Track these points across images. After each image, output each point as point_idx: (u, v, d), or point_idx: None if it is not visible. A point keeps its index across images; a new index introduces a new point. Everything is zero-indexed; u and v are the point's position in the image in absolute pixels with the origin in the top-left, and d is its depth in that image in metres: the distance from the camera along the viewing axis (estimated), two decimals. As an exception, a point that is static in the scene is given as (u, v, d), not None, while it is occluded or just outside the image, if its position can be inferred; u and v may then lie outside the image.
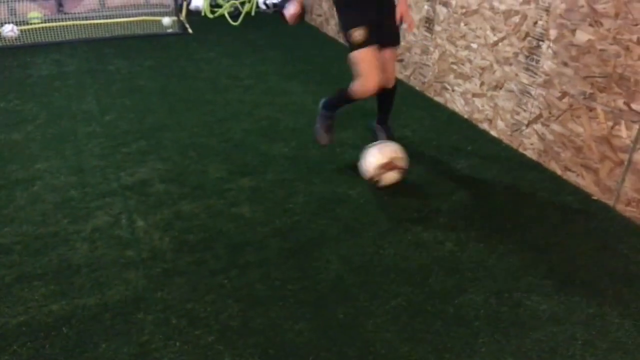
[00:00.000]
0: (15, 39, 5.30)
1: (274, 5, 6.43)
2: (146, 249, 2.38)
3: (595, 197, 2.80)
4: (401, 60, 4.34)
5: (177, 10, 5.93)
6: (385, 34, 2.79)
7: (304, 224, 2.58)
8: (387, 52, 2.85)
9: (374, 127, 3.28)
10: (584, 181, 2.87)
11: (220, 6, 6.42)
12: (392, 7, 2.77)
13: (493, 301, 2.10)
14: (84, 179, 2.92)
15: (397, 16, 2.71)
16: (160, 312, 2.03)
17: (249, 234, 2.51)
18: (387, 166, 2.76)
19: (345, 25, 2.71)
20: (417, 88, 4.23)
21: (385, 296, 2.13)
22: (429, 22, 3.95)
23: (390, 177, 2.79)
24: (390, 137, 3.13)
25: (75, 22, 5.62)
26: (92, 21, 5.70)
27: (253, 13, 6.41)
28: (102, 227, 2.53)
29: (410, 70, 4.28)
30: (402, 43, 4.29)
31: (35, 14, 5.73)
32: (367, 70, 2.70)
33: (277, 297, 2.12)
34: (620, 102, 2.59)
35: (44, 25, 5.52)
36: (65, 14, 5.98)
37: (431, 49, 3.98)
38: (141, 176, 2.96)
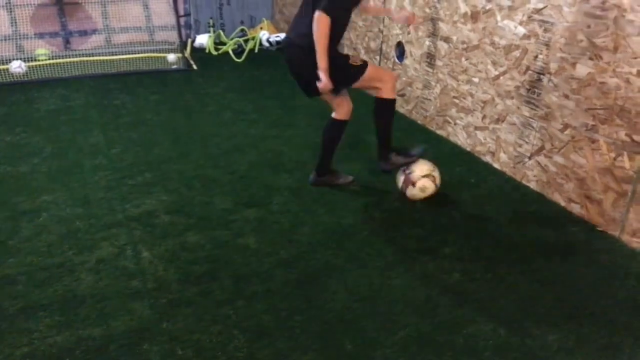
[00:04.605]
0: (23, 75, 5.39)
1: (277, 42, 6.56)
2: (151, 280, 2.37)
3: (600, 228, 2.80)
4: (403, 95, 4.40)
5: (182, 47, 6.04)
6: None
7: (309, 254, 2.58)
8: None
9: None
10: (588, 212, 2.87)
11: (224, 43, 6.55)
12: None
13: (502, 331, 2.08)
14: (90, 211, 2.93)
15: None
16: (166, 343, 2.01)
17: (255, 264, 2.50)
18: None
19: (345, 65, 2.85)
20: (419, 122, 4.28)
21: (393, 327, 2.11)
22: (430, 58, 4.03)
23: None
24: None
25: (81, 59, 5.72)
26: (98, 57, 5.80)
27: (256, 50, 6.54)
28: (107, 258, 2.52)
29: (412, 104, 4.34)
30: (403, 78, 4.37)
31: (42, 51, 5.83)
32: (382, 70, 3.16)
33: (284, 328, 2.10)
34: (622, 134, 2.62)
35: (51, 61, 5.62)
36: (72, 50, 6.08)
37: (433, 83, 4.05)
38: (147, 207, 2.97)
